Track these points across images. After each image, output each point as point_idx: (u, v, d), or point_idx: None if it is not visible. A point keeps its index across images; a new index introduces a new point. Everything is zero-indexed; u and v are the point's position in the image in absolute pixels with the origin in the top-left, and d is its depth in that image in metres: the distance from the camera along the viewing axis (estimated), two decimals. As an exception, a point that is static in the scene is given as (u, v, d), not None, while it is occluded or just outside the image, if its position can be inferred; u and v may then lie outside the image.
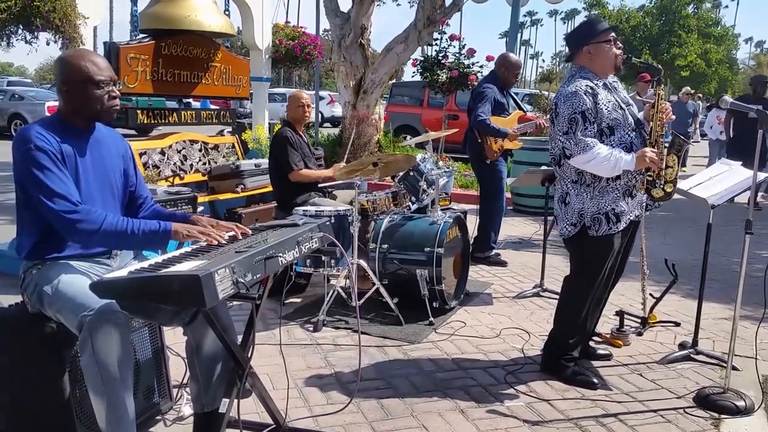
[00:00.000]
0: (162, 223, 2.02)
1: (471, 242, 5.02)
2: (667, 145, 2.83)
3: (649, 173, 2.78)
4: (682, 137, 2.85)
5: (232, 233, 2.09)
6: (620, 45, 2.91)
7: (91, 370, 1.85)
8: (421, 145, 8.14)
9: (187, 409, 2.46)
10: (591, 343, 3.29)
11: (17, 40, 5.30)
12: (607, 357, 3.24)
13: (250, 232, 2.13)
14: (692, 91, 11.70)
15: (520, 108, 5.26)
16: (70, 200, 1.94)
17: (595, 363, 3.17)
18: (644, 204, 2.94)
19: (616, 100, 2.86)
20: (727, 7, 70.81)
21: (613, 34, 2.89)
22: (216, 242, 1.97)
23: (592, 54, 2.86)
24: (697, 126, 11.56)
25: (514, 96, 5.20)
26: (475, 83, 8.46)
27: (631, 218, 2.89)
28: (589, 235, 2.84)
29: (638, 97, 7.54)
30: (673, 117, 2.96)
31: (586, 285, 2.94)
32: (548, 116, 3.24)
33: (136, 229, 1.98)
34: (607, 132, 2.80)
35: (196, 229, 2.03)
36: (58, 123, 2.08)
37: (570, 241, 2.94)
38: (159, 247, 2.03)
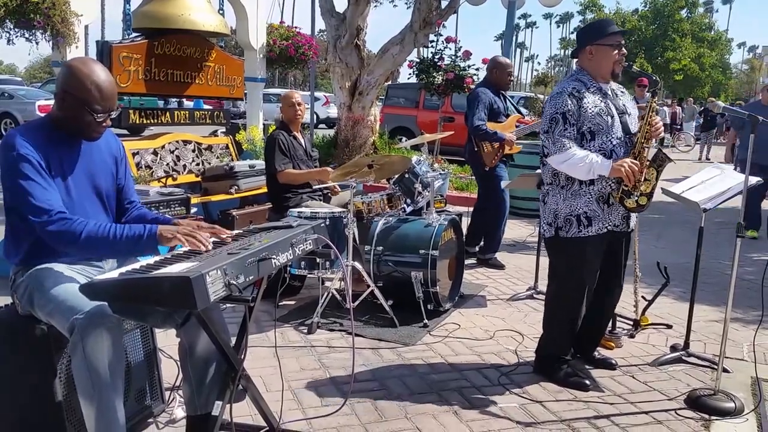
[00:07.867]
0: (147, 227, 1.95)
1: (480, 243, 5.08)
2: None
3: (624, 183, 2.76)
4: (665, 153, 2.83)
5: (216, 239, 2.05)
6: (624, 52, 2.84)
7: (81, 374, 1.84)
8: (416, 147, 8.14)
9: (180, 412, 2.45)
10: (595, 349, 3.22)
11: (16, 37, 5.27)
12: (612, 366, 3.15)
13: (233, 234, 2.11)
14: None
15: (518, 111, 5.26)
16: (49, 211, 1.89)
17: (593, 367, 3.15)
18: (629, 217, 2.90)
19: (607, 106, 2.81)
20: (717, 11, 71.33)
21: (620, 39, 2.82)
22: (203, 248, 1.91)
23: (593, 55, 2.83)
24: None
25: (511, 100, 5.20)
26: (472, 86, 8.50)
27: (609, 227, 2.85)
28: (560, 236, 2.86)
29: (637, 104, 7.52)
30: (663, 134, 2.95)
31: (563, 288, 2.95)
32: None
33: (119, 234, 1.92)
34: (588, 136, 2.79)
35: (180, 230, 1.95)
36: (48, 125, 2.04)
37: (548, 242, 2.98)
38: (148, 253, 1.95)
